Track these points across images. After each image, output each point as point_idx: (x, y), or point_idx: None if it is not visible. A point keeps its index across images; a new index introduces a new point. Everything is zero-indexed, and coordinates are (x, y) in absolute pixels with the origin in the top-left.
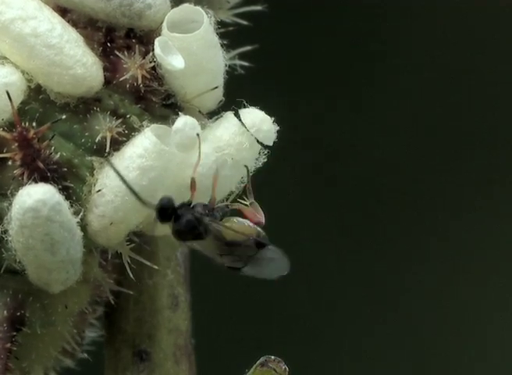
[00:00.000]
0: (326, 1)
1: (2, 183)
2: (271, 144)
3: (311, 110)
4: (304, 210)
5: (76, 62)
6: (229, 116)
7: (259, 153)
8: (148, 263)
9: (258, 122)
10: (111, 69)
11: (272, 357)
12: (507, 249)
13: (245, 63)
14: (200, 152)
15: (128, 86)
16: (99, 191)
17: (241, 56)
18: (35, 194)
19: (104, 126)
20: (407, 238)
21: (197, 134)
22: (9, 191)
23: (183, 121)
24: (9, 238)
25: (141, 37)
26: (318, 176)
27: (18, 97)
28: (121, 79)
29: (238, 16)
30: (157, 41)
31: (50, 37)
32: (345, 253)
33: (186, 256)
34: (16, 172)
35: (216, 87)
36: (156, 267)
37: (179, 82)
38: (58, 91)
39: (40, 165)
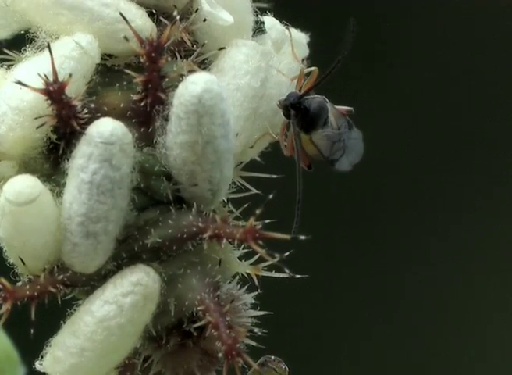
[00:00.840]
0: (326, 1)
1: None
2: (307, 54)
3: None
4: (303, 210)
5: (135, 15)
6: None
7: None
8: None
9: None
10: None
11: (272, 357)
12: (507, 249)
13: None
14: (292, 44)
15: (169, 52)
16: None
17: None
18: (200, 79)
19: (182, 64)
20: (407, 238)
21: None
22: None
23: (271, 18)
24: (171, 153)
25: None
26: (317, 176)
27: (98, 55)
28: (165, 45)
29: None
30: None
31: None
32: (344, 253)
33: None
34: (137, 97)
35: None
36: None
37: (221, 42)
38: (120, 51)
39: (160, 94)
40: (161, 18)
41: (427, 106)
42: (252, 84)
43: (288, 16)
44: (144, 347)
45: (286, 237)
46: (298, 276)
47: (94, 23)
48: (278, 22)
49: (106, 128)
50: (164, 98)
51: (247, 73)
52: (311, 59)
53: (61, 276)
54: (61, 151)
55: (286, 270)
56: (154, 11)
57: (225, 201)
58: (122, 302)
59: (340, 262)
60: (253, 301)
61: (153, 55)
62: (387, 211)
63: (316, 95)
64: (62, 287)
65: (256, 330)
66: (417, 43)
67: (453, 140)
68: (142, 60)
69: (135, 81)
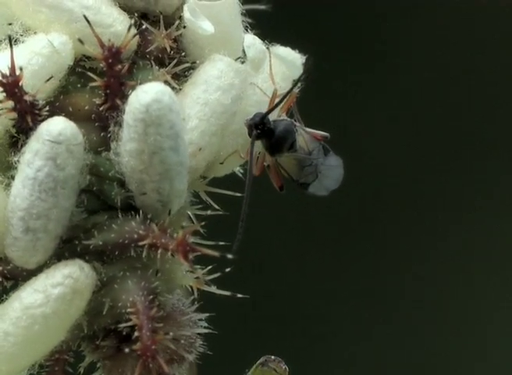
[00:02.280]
0: (326, 1)
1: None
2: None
3: (311, 110)
4: (303, 210)
5: (115, 20)
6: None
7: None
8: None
9: (285, 54)
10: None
11: (272, 357)
12: (507, 249)
13: None
14: (271, 64)
15: (153, 58)
16: (181, 120)
17: None
18: (152, 88)
19: (158, 73)
20: (407, 238)
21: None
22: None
23: (252, 36)
24: (122, 160)
25: (154, 23)
26: None
27: (70, 57)
28: (147, 50)
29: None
30: (186, 7)
31: None
32: (344, 253)
33: None
34: (99, 101)
35: (239, 58)
36: None
37: (206, 52)
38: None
39: (117, 100)
40: (145, 23)
41: (427, 106)
42: (222, 101)
43: (288, 15)
44: (84, 347)
45: (215, 253)
46: (240, 295)
47: (73, 24)
48: (258, 40)
49: (55, 127)
50: (119, 105)
51: (219, 88)
52: (312, 57)
53: (0, 268)
54: (20, 146)
55: (225, 288)
56: (135, 16)
57: (190, 215)
58: (49, 292)
59: (340, 261)
60: (203, 319)
61: (110, 60)
62: (387, 211)
63: (284, 118)
64: (1, 279)
65: (198, 346)
66: (417, 43)
67: (453, 140)
68: (101, 65)
69: (91, 85)
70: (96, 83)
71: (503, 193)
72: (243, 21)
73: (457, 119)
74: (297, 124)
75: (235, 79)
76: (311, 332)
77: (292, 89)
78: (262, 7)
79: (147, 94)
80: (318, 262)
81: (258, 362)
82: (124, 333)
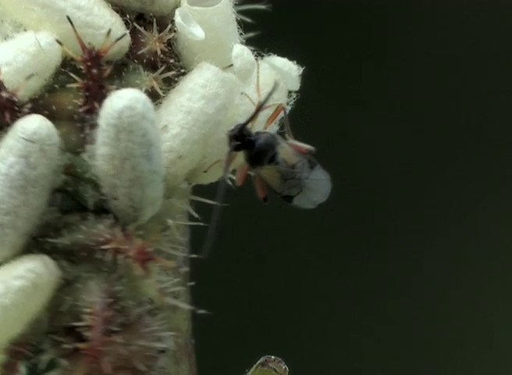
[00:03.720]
0: (327, 1)
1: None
2: (297, 87)
3: (310, 111)
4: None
5: (107, 22)
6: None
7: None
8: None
9: (281, 65)
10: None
11: (272, 357)
12: (508, 249)
13: None
14: (258, 76)
15: (145, 61)
16: (164, 127)
17: None
18: (126, 95)
19: (146, 78)
20: (406, 238)
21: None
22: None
23: (241, 47)
24: (96, 163)
25: (151, 24)
26: None
27: (57, 57)
28: (139, 53)
29: (240, 13)
30: (177, 11)
31: None
32: (344, 253)
33: (186, 250)
34: (80, 102)
35: (231, 66)
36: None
37: (197, 58)
38: None
39: (95, 103)
40: (137, 25)
41: (427, 106)
42: (205, 110)
43: (288, 15)
44: (44, 342)
45: (173, 264)
46: (202, 311)
47: (64, 24)
48: (247, 51)
49: (31, 125)
50: (96, 107)
51: (203, 97)
52: (312, 57)
53: None
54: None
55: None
56: (128, 18)
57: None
58: (10, 284)
59: (341, 261)
60: (168, 337)
61: (89, 63)
62: (387, 211)
63: (266, 131)
64: None
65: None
66: (416, 43)
67: (453, 140)
68: (81, 66)
69: (71, 86)
70: (76, 85)
71: (504, 192)
72: (238, 28)
73: (458, 120)
74: (279, 137)
75: (220, 89)
76: (310, 332)
77: (266, 100)
78: (262, 7)
79: (121, 100)
80: (318, 262)
81: (258, 362)
82: (82, 333)
